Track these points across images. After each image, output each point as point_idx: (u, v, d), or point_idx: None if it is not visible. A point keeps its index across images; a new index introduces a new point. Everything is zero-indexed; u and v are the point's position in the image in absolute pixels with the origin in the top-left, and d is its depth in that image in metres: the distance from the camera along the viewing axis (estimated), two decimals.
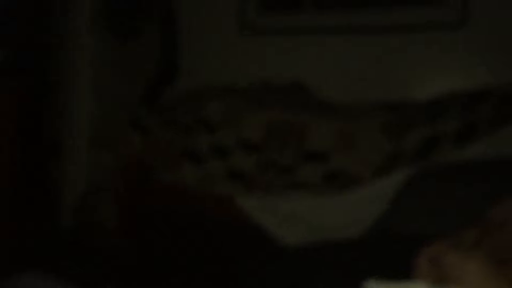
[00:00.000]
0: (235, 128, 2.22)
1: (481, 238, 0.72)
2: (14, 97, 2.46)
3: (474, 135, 1.79)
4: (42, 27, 2.71)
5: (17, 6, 2.53)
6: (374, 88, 2.62)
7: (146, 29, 2.86)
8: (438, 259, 0.67)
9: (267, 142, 2.19)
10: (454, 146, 1.82)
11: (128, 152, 2.35)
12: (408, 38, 2.57)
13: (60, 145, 2.80)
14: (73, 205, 2.79)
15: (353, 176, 1.99)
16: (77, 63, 2.86)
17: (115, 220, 2.38)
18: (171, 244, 2.21)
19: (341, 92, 2.63)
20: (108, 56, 2.83)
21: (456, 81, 2.45)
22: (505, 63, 2.44)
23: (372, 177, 1.94)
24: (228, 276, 1.68)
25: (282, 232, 1.99)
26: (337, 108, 2.42)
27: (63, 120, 2.84)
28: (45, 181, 2.75)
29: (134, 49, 2.80)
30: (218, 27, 2.97)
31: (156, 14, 2.88)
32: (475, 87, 2.21)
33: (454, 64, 2.53)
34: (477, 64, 2.48)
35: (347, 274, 0.74)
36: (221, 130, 2.22)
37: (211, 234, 2.15)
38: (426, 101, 2.19)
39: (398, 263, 0.69)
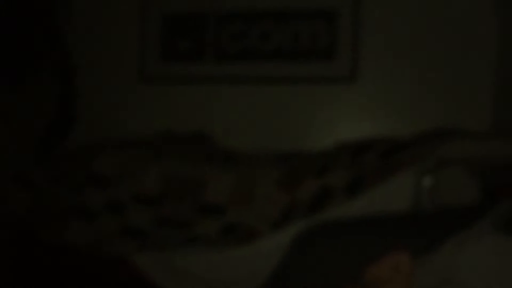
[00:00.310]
0: (130, 182, 2.14)
1: None
2: None
3: (362, 186, 1.86)
4: None
5: None
6: (273, 138, 2.68)
7: (38, 79, 2.72)
8: None
9: (163, 196, 2.13)
10: (344, 198, 1.87)
11: (12, 209, 2.18)
12: (303, 90, 2.68)
13: None
14: None
15: (250, 230, 1.98)
16: None
17: None
18: None
19: (242, 141, 2.66)
20: None
21: (347, 132, 2.57)
22: (391, 116, 2.60)
23: (269, 230, 1.94)
24: None
25: None
26: (238, 159, 2.42)
27: None
28: None
29: (24, 99, 2.65)
30: (119, 77, 2.92)
31: (50, 64, 2.76)
32: (363, 138, 2.32)
33: (344, 116, 2.66)
34: (365, 116, 2.62)
35: None
36: (114, 185, 2.12)
37: None
38: (318, 152, 2.25)
39: None
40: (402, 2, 2.53)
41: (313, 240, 1.27)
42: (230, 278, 1.89)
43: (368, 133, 2.48)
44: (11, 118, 2.58)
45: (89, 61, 2.88)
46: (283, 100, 2.70)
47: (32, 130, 2.63)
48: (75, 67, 2.80)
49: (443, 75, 2.51)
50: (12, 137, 2.56)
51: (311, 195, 1.93)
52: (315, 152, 2.31)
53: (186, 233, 2.05)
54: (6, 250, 2.08)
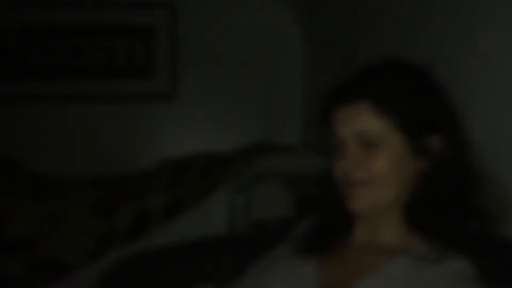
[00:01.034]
0: None
1: None
2: None
3: (182, 208, 1.83)
4: None
5: None
6: (91, 160, 2.51)
7: None
8: None
9: None
10: (164, 221, 1.82)
11: None
12: (121, 109, 2.56)
13: None
14: None
15: (62, 264, 1.82)
16: None
17: None
18: None
19: (54, 165, 2.44)
20: None
21: (169, 150, 2.52)
22: (212, 132, 2.63)
23: (83, 264, 1.80)
24: None
25: None
26: (49, 186, 2.22)
27: None
28: None
29: None
30: None
31: None
32: (184, 155, 2.30)
33: (165, 134, 2.61)
34: (187, 133, 2.61)
35: None
36: None
37: None
38: (137, 174, 2.17)
39: None
40: (217, 19, 2.57)
41: (119, 275, 1.19)
42: None
43: (190, 150, 2.47)
44: None
45: None
46: (100, 119, 2.55)
47: None
48: None
49: (258, 91, 2.61)
50: None
51: (130, 221, 1.84)
52: (134, 173, 2.22)
53: None
54: None
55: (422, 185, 0.89)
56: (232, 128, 2.63)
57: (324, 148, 0.98)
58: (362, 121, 0.88)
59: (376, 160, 0.88)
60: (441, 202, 0.86)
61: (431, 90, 0.91)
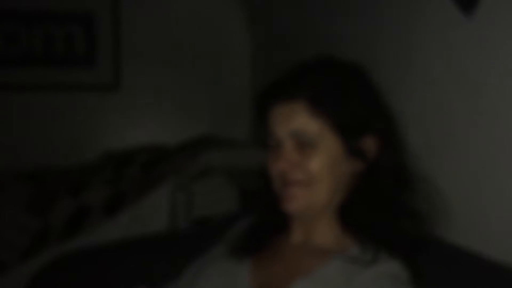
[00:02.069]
0: None
1: None
2: None
3: (122, 203, 1.77)
4: None
5: None
6: (30, 152, 2.40)
7: None
8: None
9: None
10: (104, 217, 1.76)
11: None
12: (63, 98, 2.46)
13: None
14: None
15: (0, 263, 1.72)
16: None
17: None
18: None
19: None
20: None
21: (113, 142, 2.45)
22: (157, 123, 2.57)
23: (18, 262, 1.72)
24: None
25: None
26: None
27: None
28: None
29: None
30: None
31: None
32: (127, 148, 2.23)
33: (109, 125, 2.53)
34: (131, 124, 2.54)
35: None
36: None
37: None
38: (76, 167, 2.09)
39: None
40: (162, 7, 2.50)
41: (53, 275, 1.14)
42: None
43: (135, 142, 2.40)
44: None
45: None
46: (40, 109, 2.44)
47: None
48: None
49: (205, 83, 2.57)
50: None
51: (66, 217, 1.76)
52: (74, 167, 2.13)
53: None
54: None
55: (357, 186, 0.88)
56: (177, 121, 2.58)
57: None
58: (298, 121, 0.87)
59: (312, 160, 0.87)
60: (374, 203, 0.86)
61: (365, 90, 0.91)
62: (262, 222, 0.97)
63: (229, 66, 2.59)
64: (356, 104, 0.87)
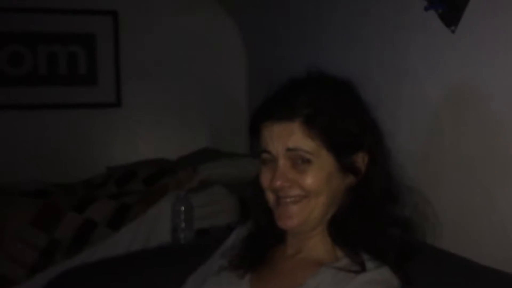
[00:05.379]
0: None
1: None
2: None
3: (127, 217, 1.81)
4: None
5: None
6: (37, 169, 2.45)
7: None
8: None
9: None
10: (108, 231, 1.80)
11: None
12: (67, 117, 2.51)
13: None
14: None
15: (4, 277, 1.76)
16: None
17: None
18: None
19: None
20: None
21: (114, 159, 2.49)
22: (159, 138, 2.62)
23: (26, 277, 1.76)
24: None
25: None
26: None
27: None
28: None
29: None
30: None
31: None
32: (128, 165, 2.28)
33: (111, 142, 2.58)
34: (134, 140, 2.58)
35: None
36: None
37: None
38: (81, 183, 2.14)
39: None
40: (159, 27, 2.55)
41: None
42: None
43: (137, 157, 2.45)
44: None
45: None
46: (44, 127, 2.49)
47: None
48: None
49: (205, 99, 2.62)
50: None
51: (72, 232, 1.81)
52: (79, 183, 2.18)
53: None
54: None
55: (348, 199, 0.91)
56: (178, 136, 2.62)
57: None
58: (294, 140, 0.88)
59: (308, 176, 0.88)
60: (364, 215, 0.89)
61: (355, 107, 0.93)
62: (258, 234, 0.99)
63: (227, 81, 2.65)
64: (348, 122, 0.89)
